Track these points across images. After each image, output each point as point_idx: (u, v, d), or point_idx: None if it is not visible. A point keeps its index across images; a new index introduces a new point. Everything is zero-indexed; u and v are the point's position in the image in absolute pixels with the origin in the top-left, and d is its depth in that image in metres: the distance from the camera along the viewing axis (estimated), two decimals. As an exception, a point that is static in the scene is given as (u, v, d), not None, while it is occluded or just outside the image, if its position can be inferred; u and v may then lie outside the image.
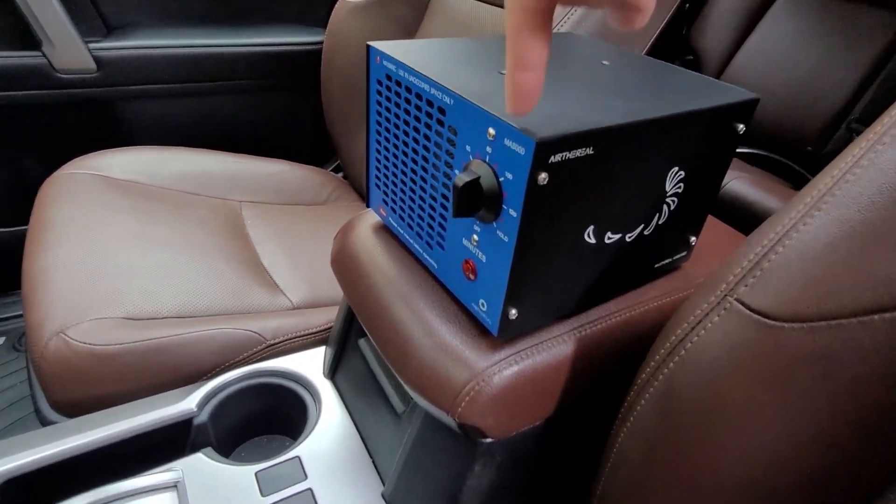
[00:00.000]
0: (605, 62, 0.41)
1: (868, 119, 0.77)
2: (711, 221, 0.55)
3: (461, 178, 0.30)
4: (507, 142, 0.29)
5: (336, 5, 1.01)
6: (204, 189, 0.93)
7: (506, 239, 0.32)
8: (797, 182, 0.81)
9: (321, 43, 1.12)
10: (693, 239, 0.44)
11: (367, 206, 0.48)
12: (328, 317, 0.68)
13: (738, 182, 0.74)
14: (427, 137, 0.36)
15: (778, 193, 0.76)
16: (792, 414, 0.30)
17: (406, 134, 0.38)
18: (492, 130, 0.30)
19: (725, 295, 0.32)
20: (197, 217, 0.83)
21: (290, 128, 1.23)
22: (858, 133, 0.78)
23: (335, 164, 1.28)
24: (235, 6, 1.11)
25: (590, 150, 0.30)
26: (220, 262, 0.74)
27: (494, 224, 0.32)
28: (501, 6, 0.86)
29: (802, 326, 0.29)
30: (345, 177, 1.15)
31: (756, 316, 0.30)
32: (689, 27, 0.96)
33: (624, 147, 0.32)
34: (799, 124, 0.84)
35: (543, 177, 0.29)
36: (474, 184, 0.31)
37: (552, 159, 0.29)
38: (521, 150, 0.28)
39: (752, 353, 0.30)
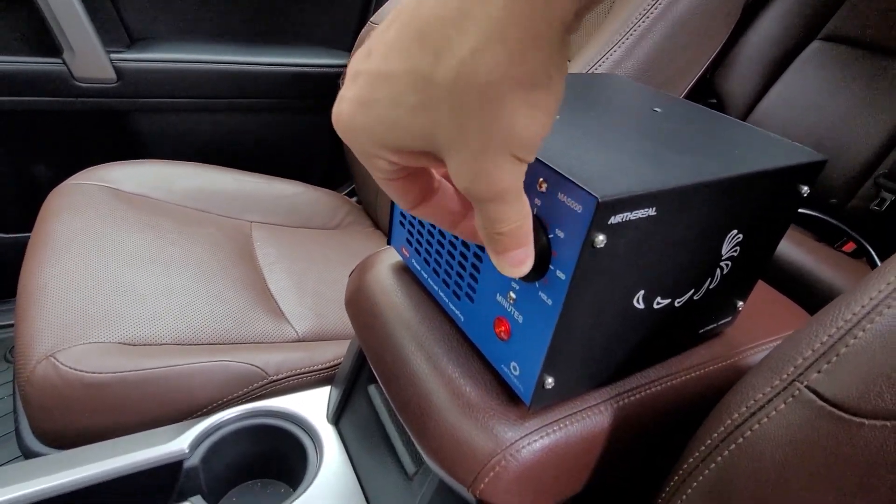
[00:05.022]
0: (656, 109, 0.38)
1: (896, 175, 0.74)
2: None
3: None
4: (562, 196, 0.26)
5: (363, 31, 1.00)
6: (215, 207, 0.90)
7: (550, 302, 0.28)
8: (821, 234, 0.78)
9: (345, 66, 1.11)
10: (740, 304, 0.40)
11: (389, 244, 0.45)
12: (335, 352, 0.64)
13: None
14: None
15: (804, 245, 0.73)
16: (867, 523, 0.26)
17: (440, 174, 0.35)
18: (543, 182, 0.27)
19: (794, 380, 0.28)
20: (205, 236, 0.80)
21: (306, 149, 1.21)
22: (886, 188, 0.75)
23: (350, 188, 1.26)
24: (261, 25, 1.10)
25: (652, 212, 0.27)
26: (226, 285, 0.71)
27: (537, 284, 0.29)
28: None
29: (886, 425, 0.26)
30: (358, 201, 1.13)
31: (830, 408, 0.27)
32: (713, 71, 0.94)
33: (687, 208, 0.29)
34: (823, 176, 0.81)
35: (601, 239, 0.25)
36: (520, 239, 0.27)
37: (612, 220, 0.25)
38: (578, 207, 0.25)
39: (825, 450, 0.27)
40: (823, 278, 0.70)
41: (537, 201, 0.28)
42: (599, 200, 0.24)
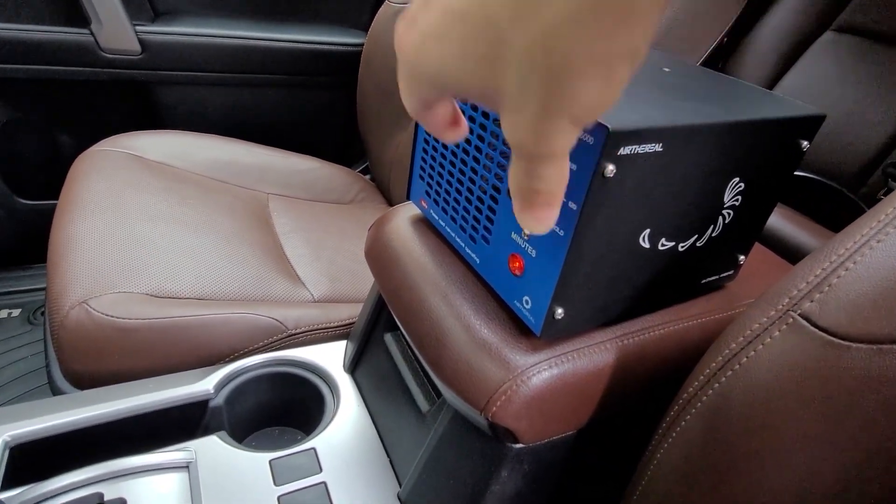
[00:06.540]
0: (665, 69, 0.40)
1: (906, 164, 0.75)
2: (756, 246, 0.53)
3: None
4: (575, 130, 0.28)
5: (380, 9, 1.02)
6: (233, 178, 0.93)
7: (561, 233, 0.30)
8: (829, 221, 0.79)
9: (361, 45, 1.13)
10: (742, 258, 0.42)
11: (408, 198, 0.47)
12: (350, 312, 0.67)
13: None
14: (483, 127, 0.35)
15: (811, 229, 0.75)
16: (851, 442, 0.28)
17: (460, 123, 0.38)
18: (558, 118, 0.29)
19: (788, 309, 0.30)
20: (224, 203, 0.83)
21: (322, 126, 1.23)
22: (894, 178, 0.77)
23: (364, 165, 1.28)
24: (281, 2, 1.12)
25: (659, 147, 0.29)
26: (245, 248, 0.74)
27: (550, 217, 0.31)
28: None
29: (871, 348, 0.28)
30: (372, 179, 1.15)
31: (822, 333, 0.29)
32: (724, 62, 0.96)
33: (692, 149, 0.31)
34: (833, 165, 0.82)
35: (611, 169, 0.27)
36: (536, 171, 0.29)
37: (621, 151, 0.28)
38: (590, 139, 0.27)
39: (815, 373, 0.29)
40: None
41: (552, 138, 0.30)
42: (610, 129, 0.26)
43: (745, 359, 0.31)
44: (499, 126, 0.34)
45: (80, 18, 0.93)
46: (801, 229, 0.75)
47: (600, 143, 0.27)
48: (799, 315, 0.30)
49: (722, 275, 0.42)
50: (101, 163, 0.81)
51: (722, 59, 0.95)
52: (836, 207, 0.79)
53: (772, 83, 0.93)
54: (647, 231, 0.33)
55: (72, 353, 0.55)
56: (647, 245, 0.34)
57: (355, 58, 1.12)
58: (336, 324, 0.64)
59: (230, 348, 0.58)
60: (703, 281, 0.41)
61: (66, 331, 0.55)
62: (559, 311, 0.33)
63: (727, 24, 0.78)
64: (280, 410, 0.57)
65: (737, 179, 0.35)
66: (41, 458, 0.46)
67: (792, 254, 0.73)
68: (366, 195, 1.07)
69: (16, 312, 1.04)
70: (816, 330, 0.29)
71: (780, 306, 0.31)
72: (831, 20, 0.90)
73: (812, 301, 0.30)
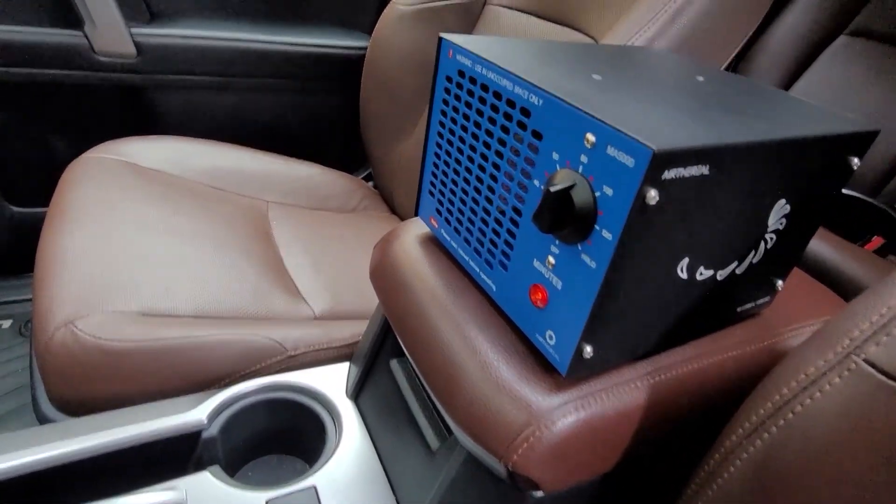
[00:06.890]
0: (699, 78, 0.37)
1: (924, 173, 0.72)
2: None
3: (555, 184, 0.26)
4: (612, 150, 0.25)
5: (384, 11, 0.99)
6: (232, 185, 0.90)
7: (593, 265, 0.27)
8: (843, 231, 0.76)
9: (364, 48, 1.10)
10: (780, 283, 0.39)
11: (416, 215, 0.44)
12: (352, 331, 0.63)
13: None
14: (502, 142, 0.32)
15: (828, 240, 0.71)
16: (925, 505, 0.25)
17: (475, 138, 0.34)
18: (591, 136, 0.26)
19: (850, 353, 0.27)
20: (222, 213, 0.79)
21: (324, 131, 1.20)
22: (912, 186, 0.73)
23: (366, 172, 1.25)
24: (281, 4, 1.09)
25: (706, 170, 0.25)
26: (243, 261, 0.70)
27: (579, 246, 0.28)
28: (554, 21, 0.83)
29: (950, 400, 0.24)
30: (375, 186, 1.12)
31: (890, 381, 0.25)
32: (737, 64, 0.92)
33: (741, 170, 0.27)
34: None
35: (653, 195, 0.24)
36: (567, 194, 0.26)
37: (666, 175, 0.24)
38: (629, 161, 0.24)
39: (884, 426, 0.25)
40: (849, 274, 0.68)
41: (584, 158, 0.26)
42: (655, 151, 0.23)
43: (799, 407, 0.28)
44: (519, 142, 0.30)
45: (72, 19, 0.89)
46: (818, 240, 0.72)
47: (643, 166, 0.23)
48: (863, 360, 0.26)
49: (758, 302, 0.39)
50: (93, 170, 0.78)
51: (734, 63, 0.92)
52: (859, 216, 0.76)
53: (784, 88, 0.90)
54: (686, 260, 0.30)
55: (57, 377, 0.52)
56: (684, 276, 0.30)
57: (358, 61, 1.09)
58: (338, 344, 0.61)
59: (226, 371, 0.55)
60: (740, 309, 0.38)
61: (51, 354, 0.52)
62: (588, 350, 0.30)
63: (751, 29, 0.75)
64: (279, 438, 0.53)
65: (783, 202, 0.32)
66: (18, 496, 0.43)
67: (810, 266, 0.70)
68: (369, 203, 1.04)
69: (6, 324, 1.01)
70: (884, 378, 0.26)
71: (840, 349, 0.27)
72: (845, 24, 0.87)
73: (878, 344, 0.26)
